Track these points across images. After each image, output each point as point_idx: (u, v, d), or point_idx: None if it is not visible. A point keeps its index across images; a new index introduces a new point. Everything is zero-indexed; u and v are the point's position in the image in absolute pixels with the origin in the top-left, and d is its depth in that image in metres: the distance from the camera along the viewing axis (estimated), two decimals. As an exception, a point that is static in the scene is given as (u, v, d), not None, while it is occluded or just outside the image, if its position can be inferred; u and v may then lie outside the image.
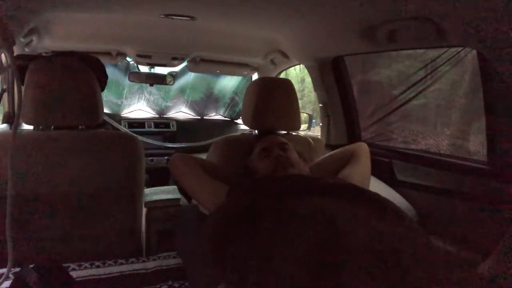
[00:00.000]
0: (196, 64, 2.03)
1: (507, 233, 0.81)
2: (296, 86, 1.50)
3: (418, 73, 1.39)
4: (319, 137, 1.67)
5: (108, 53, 1.82)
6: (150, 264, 0.84)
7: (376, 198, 0.71)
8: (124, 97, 2.46)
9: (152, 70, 2.23)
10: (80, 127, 0.98)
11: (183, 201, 1.06)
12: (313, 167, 1.06)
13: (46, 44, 1.49)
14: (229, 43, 1.69)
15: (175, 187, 1.13)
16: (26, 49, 1.37)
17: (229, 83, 2.62)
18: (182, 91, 2.59)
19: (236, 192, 0.83)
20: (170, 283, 0.76)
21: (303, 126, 1.99)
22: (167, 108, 2.62)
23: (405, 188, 1.27)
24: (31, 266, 0.62)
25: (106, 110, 2.37)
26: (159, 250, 0.93)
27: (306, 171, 0.98)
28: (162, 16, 1.21)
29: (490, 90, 0.98)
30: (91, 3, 1.08)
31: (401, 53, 1.48)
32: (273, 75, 2.05)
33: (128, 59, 2.08)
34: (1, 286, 0.62)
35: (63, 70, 0.93)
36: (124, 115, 2.50)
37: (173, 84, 2.34)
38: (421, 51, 1.36)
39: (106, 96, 2.35)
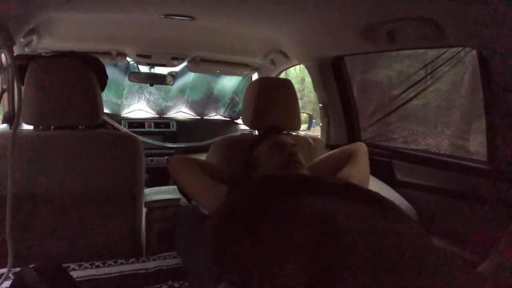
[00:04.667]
0: (196, 64, 2.03)
1: (507, 233, 0.81)
2: (296, 86, 1.49)
3: (418, 73, 1.39)
4: (319, 137, 1.67)
5: (108, 53, 1.82)
6: (150, 264, 0.84)
7: (376, 197, 0.71)
8: (124, 97, 2.46)
9: (152, 70, 2.23)
10: (80, 127, 0.98)
11: (183, 201, 1.06)
12: (312, 166, 1.06)
13: (46, 44, 1.49)
14: (229, 43, 1.69)
15: (175, 187, 1.13)
16: (26, 49, 1.37)
17: (229, 83, 2.62)
18: (182, 91, 2.59)
19: (236, 192, 0.83)
20: (170, 283, 0.76)
21: (303, 126, 1.99)
22: (167, 108, 2.62)
23: (405, 188, 1.27)
24: (31, 266, 0.62)
25: (106, 110, 2.38)
26: (159, 250, 0.93)
27: (305, 171, 0.98)
28: (162, 16, 1.21)
29: (490, 90, 0.98)
30: (91, 3, 1.08)
31: (401, 53, 1.48)
32: (273, 75, 2.05)
33: (128, 59, 2.08)
34: (1, 286, 0.62)
35: (63, 70, 0.92)
36: (124, 115, 2.50)
37: (173, 84, 2.34)
38: (421, 51, 1.36)
39: (106, 96, 2.36)
